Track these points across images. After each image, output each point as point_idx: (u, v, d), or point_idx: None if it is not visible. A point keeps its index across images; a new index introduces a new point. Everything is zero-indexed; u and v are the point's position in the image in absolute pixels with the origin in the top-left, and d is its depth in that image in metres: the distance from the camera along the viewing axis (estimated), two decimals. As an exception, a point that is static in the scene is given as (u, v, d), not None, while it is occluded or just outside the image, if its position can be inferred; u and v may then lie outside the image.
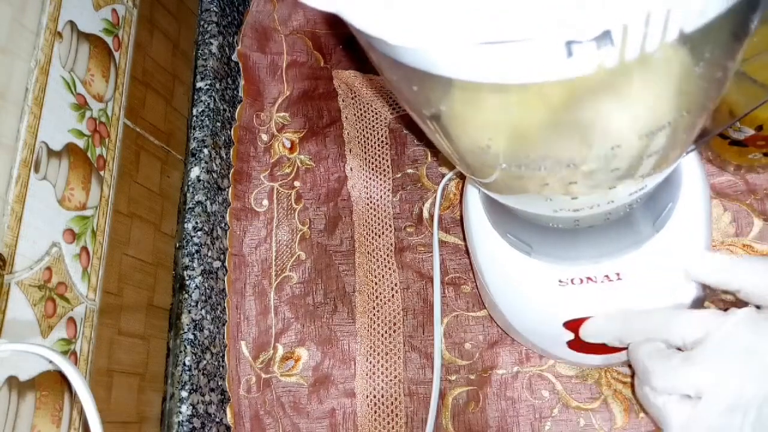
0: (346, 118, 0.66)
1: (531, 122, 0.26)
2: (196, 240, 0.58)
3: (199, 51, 0.67)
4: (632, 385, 0.49)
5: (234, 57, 0.70)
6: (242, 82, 0.69)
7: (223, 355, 0.58)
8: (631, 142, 0.27)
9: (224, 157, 0.65)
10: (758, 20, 0.24)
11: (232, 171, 0.65)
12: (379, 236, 0.60)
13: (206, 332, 0.57)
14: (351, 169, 0.63)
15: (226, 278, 0.61)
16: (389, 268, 0.59)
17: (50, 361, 0.40)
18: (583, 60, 0.21)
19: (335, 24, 0.71)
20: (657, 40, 0.21)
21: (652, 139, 0.27)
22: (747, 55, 0.44)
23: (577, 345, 0.46)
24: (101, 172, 0.50)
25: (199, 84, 0.65)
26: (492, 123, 0.27)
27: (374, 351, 0.56)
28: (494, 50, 0.21)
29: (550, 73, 0.22)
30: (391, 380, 0.55)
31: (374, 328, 0.57)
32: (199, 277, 0.57)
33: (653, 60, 0.22)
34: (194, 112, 0.64)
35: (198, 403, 0.53)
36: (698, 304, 0.48)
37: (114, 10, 0.55)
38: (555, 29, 0.19)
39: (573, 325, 0.44)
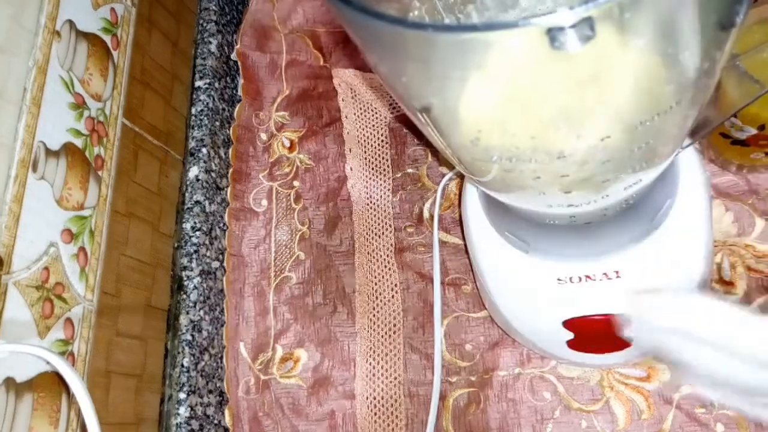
0: (345, 117, 0.66)
1: (517, 111, 0.26)
2: (194, 240, 0.58)
3: (198, 50, 0.67)
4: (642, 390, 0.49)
5: (233, 56, 0.70)
6: (241, 81, 0.69)
7: (222, 357, 0.58)
8: (620, 134, 0.27)
9: (223, 156, 0.64)
10: (744, 13, 0.24)
11: (230, 170, 0.65)
12: (379, 236, 0.60)
13: (204, 333, 0.56)
14: (351, 169, 0.63)
15: (224, 279, 0.60)
16: (389, 269, 0.59)
17: (48, 362, 0.40)
18: (566, 46, 0.21)
19: (335, 23, 0.70)
20: None
21: (642, 131, 0.27)
22: (742, 50, 0.44)
23: (577, 345, 0.46)
24: (99, 172, 0.50)
25: (198, 83, 0.65)
26: (480, 113, 0.27)
27: (374, 352, 0.56)
28: (477, 36, 0.21)
29: (532, 59, 0.22)
30: (391, 382, 0.55)
31: (374, 329, 0.57)
32: (198, 278, 0.57)
33: (637, 47, 0.22)
34: (193, 111, 0.64)
35: (196, 404, 0.53)
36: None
37: (113, 9, 0.55)
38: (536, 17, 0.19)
39: (572, 324, 0.44)
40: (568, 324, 0.44)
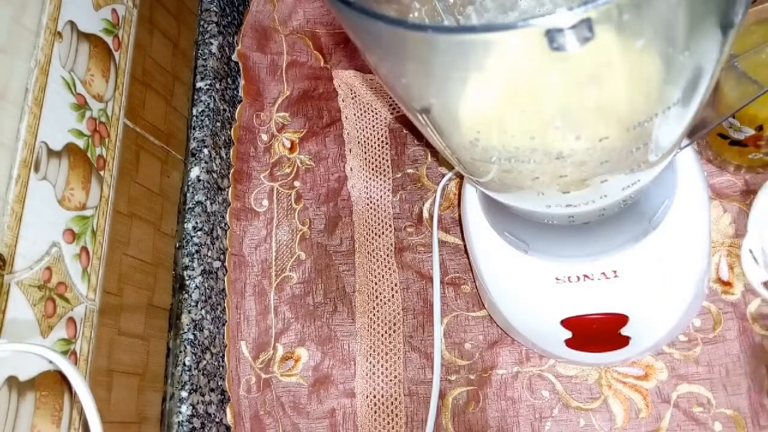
0: (346, 118, 0.66)
1: (516, 112, 0.26)
2: (196, 240, 0.58)
3: (199, 51, 0.67)
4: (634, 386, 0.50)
5: (234, 57, 0.70)
6: (242, 82, 0.69)
7: (223, 355, 0.58)
8: (618, 134, 0.27)
9: (224, 157, 0.65)
10: (743, 14, 0.24)
11: (232, 171, 0.65)
12: (379, 236, 0.60)
13: (206, 332, 0.57)
14: (351, 169, 0.63)
15: (226, 278, 0.61)
16: (389, 268, 0.59)
17: (50, 361, 0.40)
18: (565, 47, 0.21)
19: (335, 24, 0.71)
20: None
21: (640, 132, 0.27)
22: (740, 50, 0.45)
23: (576, 344, 0.46)
24: (101, 172, 0.50)
25: (199, 84, 0.65)
26: (479, 114, 0.27)
27: (374, 351, 0.56)
28: (476, 37, 0.21)
29: (531, 60, 0.22)
30: (391, 380, 0.55)
31: (374, 328, 0.57)
32: (199, 277, 0.57)
33: (635, 48, 0.22)
34: (194, 112, 0.64)
35: (198, 403, 0.53)
36: (697, 303, 0.48)
37: (114, 10, 0.55)
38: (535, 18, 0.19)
39: (570, 323, 0.44)
40: (567, 323, 0.44)
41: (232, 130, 0.67)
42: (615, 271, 0.41)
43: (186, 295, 0.56)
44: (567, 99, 0.25)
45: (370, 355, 0.56)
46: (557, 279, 0.42)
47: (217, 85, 0.66)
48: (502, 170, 0.31)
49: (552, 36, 0.20)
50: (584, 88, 0.24)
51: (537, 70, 0.23)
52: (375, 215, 0.62)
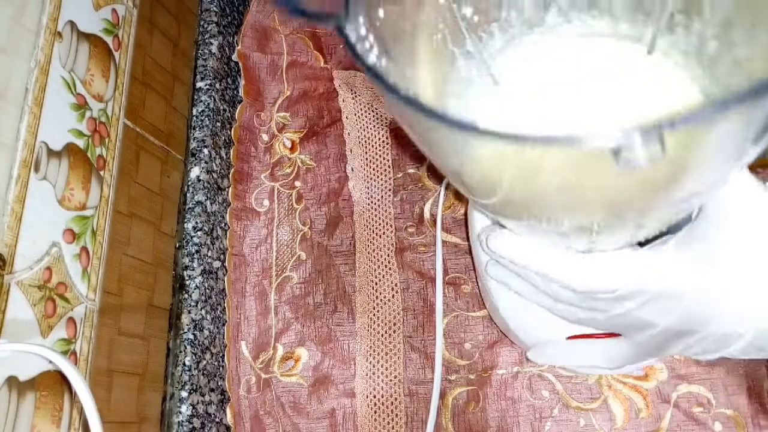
0: (346, 118, 0.66)
1: (554, 194, 0.26)
2: (196, 240, 0.58)
3: (199, 51, 0.67)
4: (630, 383, 0.49)
5: (234, 57, 0.70)
6: (242, 82, 0.69)
7: (223, 355, 0.58)
8: (659, 211, 0.27)
9: (224, 157, 0.65)
10: None
11: (232, 171, 0.65)
12: (380, 236, 0.60)
13: (206, 332, 0.57)
14: (352, 169, 0.63)
15: (226, 278, 0.61)
16: (389, 268, 0.59)
17: (50, 361, 0.40)
18: (631, 165, 0.19)
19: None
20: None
21: (680, 204, 0.27)
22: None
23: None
24: (101, 172, 0.50)
25: (199, 84, 0.65)
26: (515, 190, 0.27)
27: (374, 351, 0.56)
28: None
29: (587, 169, 0.21)
30: (391, 380, 0.55)
31: (374, 328, 0.57)
32: (199, 277, 0.57)
33: (703, 157, 0.21)
34: (194, 112, 0.64)
35: (198, 403, 0.53)
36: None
37: (114, 10, 0.55)
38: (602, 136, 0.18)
39: (575, 339, 0.44)
40: (572, 339, 0.44)
41: (233, 130, 0.67)
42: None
43: (186, 295, 0.56)
44: (613, 194, 0.24)
45: (370, 355, 0.56)
46: None
47: (217, 85, 0.66)
48: (530, 225, 0.31)
49: (618, 153, 0.19)
50: (637, 189, 0.23)
51: (590, 174, 0.22)
52: (376, 215, 0.62)
